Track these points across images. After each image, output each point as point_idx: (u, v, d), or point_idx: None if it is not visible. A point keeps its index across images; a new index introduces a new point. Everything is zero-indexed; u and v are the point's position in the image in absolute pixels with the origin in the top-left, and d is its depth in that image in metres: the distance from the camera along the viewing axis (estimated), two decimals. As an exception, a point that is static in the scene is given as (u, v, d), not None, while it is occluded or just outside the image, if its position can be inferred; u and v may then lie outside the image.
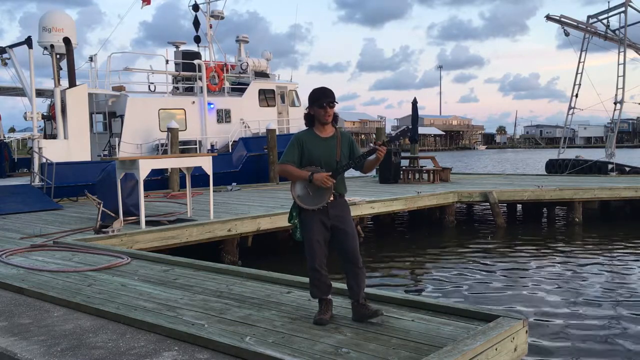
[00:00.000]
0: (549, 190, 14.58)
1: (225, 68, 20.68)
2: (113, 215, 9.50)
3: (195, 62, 19.47)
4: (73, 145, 15.61)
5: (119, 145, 16.70)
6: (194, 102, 19.13)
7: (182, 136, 17.97)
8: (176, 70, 19.85)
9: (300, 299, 5.02)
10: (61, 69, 16.15)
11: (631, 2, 24.43)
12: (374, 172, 18.67)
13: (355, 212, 11.40)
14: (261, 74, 21.75)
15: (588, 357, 6.08)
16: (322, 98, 4.33)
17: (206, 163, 10.36)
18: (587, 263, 10.44)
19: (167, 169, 15.86)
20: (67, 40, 15.60)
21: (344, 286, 4.68)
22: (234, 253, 10.19)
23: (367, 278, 5.21)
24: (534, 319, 7.13)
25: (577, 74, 25.88)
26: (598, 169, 23.37)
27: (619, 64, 24.51)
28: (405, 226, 15.61)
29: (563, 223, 15.15)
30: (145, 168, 9.33)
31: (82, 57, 38.99)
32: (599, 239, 12.90)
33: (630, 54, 25.51)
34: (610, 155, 23.92)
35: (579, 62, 25.81)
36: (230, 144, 19.28)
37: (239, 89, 20.99)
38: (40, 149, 14.83)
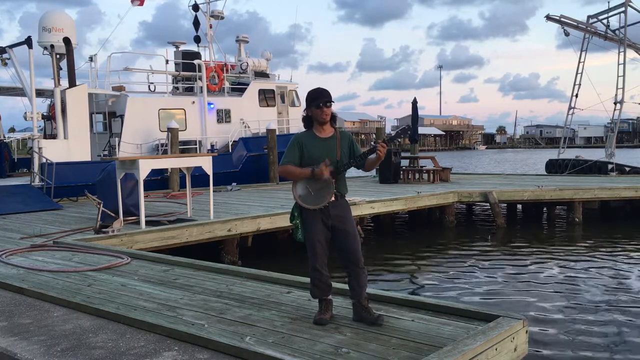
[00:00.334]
0: (549, 190, 14.59)
1: (225, 68, 20.67)
2: (113, 215, 9.50)
3: (195, 62, 19.47)
4: (73, 145, 15.62)
5: (119, 145, 16.70)
6: (194, 102, 19.13)
7: (182, 136, 17.97)
8: (176, 70, 19.85)
9: (300, 299, 5.01)
10: (61, 69, 16.15)
11: (631, 2, 24.42)
12: (374, 172, 18.68)
13: (355, 212, 11.39)
14: (261, 74, 21.76)
15: (588, 357, 6.08)
16: (318, 98, 4.34)
17: (206, 163, 10.37)
18: (587, 263, 10.44)
19: (167, 169, 15.86)
20: (67, 40, 15.60)
21: (344, 286, 4.68)
22: (234, 253, 10.19)
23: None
24: (534, 319, 7.13)
25: (577, 74, 25.89)
26: (598, 169, 23.36)
27: (619, 64, 24.52)
28: (405, 226, 15.61)
29: (563, 223, 15.15)
30: (145, 168, 9.34)
31: (82, 57, 39.08)
32: (599, 239, 12.89)
33: (630, 54, 25.53)
34: (610, 155, 23.90)
35: (579, 62, 25.81)
36: (230, 144, 19.28)
37: (238, 89, 20.99)
38: (40, 149, 14.83)
